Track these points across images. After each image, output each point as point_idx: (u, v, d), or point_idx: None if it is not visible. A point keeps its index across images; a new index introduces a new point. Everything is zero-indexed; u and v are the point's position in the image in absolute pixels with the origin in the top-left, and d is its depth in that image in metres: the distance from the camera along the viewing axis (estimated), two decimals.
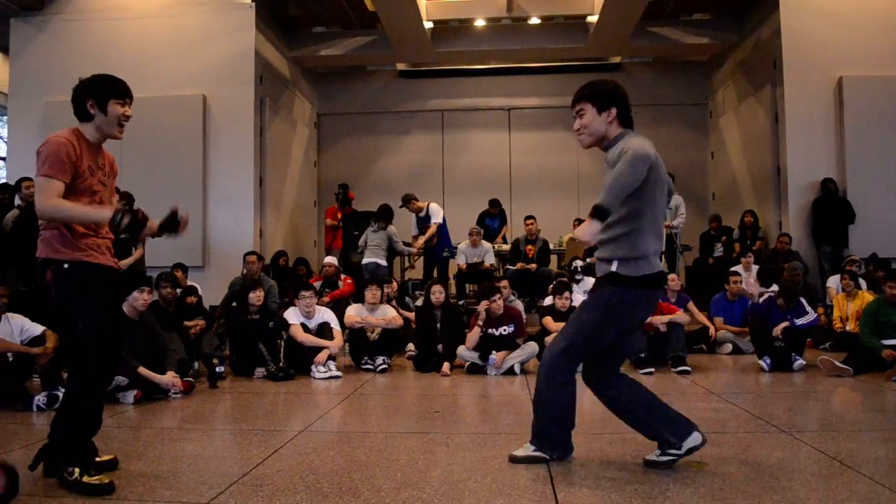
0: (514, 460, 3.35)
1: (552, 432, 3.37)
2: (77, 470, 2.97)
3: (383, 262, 9.36)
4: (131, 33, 10.60)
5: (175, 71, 10.45)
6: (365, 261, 9.35)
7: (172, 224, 3.24)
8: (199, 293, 7.52)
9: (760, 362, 6.43)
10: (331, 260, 9.18)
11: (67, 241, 3.05)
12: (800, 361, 6.37)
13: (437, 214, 10.15)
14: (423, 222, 10.23)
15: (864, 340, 6.32)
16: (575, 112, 3.30)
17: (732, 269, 8.92)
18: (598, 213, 2.85)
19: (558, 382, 3.29)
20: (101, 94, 3.19)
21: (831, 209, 9.80)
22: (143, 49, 10.49)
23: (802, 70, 10.17)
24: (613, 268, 3.13)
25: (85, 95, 3.20)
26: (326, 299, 8.33)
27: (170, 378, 5.26)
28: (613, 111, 3.22)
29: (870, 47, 10.08)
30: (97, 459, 3.15)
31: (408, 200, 10.31)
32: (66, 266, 3.04)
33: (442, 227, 10.18)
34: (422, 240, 10.08)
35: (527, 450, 3.38)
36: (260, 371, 6.31)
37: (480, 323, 6.47)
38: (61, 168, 3.01)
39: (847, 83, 10.05)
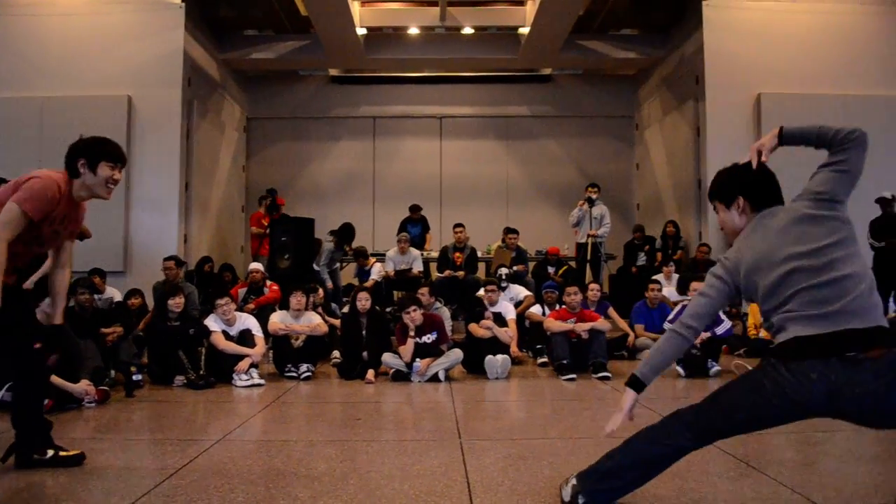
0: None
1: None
2: (50, 450, 3.35)
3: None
4: (56, 30, 10.25)
5: (100, 70, 10.14)
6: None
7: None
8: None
9: (677, 368, 6.62)
10: (257, 266, 9.05)
11: None
12: (716, 368, 6.59)
13: (376, 273, 10.09)
14: (364, 276, 10.13)
15: None
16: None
17: (654, 277, 9.17)
18: (635, 384, 2.72)
19: None
20: (93, 155, 3.29)
21: None
22: (68, 46, 10.17)
23: (723, 86, 10.52)
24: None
25: (77, 154, 3.30)
26: (251, 306, 8.21)
27: (83, 386, 5.09)
28: (741, 200, 2.74)
29: (788, 65, 10.49)
30: None
31: (361, 255, 10.19)
32: None
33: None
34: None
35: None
36: (179, 379, 6.16)
37: (412, 334, 6.48)
38: (39, 208, 3.13)
39: (765, 99, 10.44)
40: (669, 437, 2.71)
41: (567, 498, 2.78)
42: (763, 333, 7.92)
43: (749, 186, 2.74)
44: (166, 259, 8.49)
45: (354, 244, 10.14)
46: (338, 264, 10.23)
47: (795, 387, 2.31)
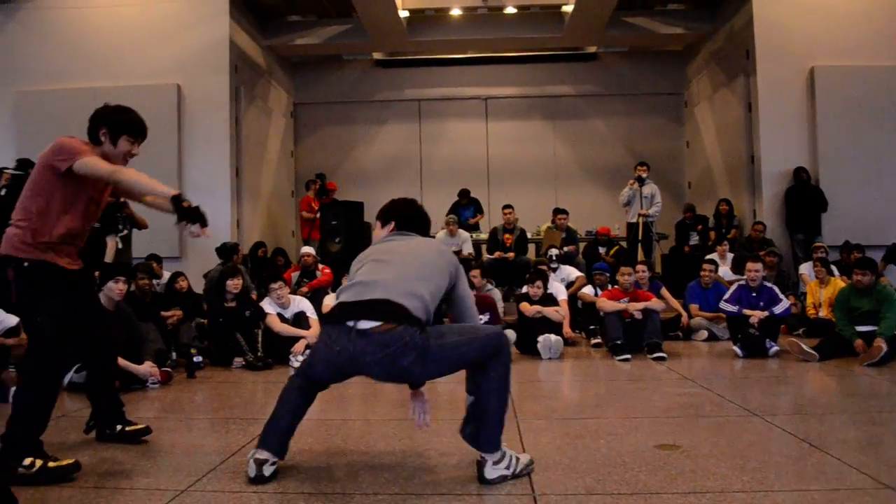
0: None
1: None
2: (38, 461, 2.95)
3: None
4: (104, 22, 10.47)
5: (149, 60, 10.33)
6: None
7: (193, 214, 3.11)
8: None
9: (735, 348, 6.52)
10: (308, 250, 9.15)
11: (29, 241, 3.10)
12: (775, 348, 6.46)
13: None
14: None
15: (837, 327, 6.43)
16: None
17: (707, 257, 9.04)
18: None
19: None
20: (115, 127, 3.30)
21: (804, 198, 9.94)
22: (117, 38, 10.38)
23: (775, 60, 10.28)
24: None
25: (100, 122, 3.30)
26: (305, 289, 8.32)
27: (147, 368, 5.24)
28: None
29: (842, 37, 10.20)
30: (59, 464, 3.03)
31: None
32: (25, 265, 3.09)
33: None
34: None
35: None
36: (238, 361, 6.29)
37: None
38: (83, 149, 3.13)
39: (819, 73, 10.17)
40: None
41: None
42: (822, 313, 7.75)
43: None
44: (236, 246, 8.62)
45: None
46: None
47: None
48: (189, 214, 3.02)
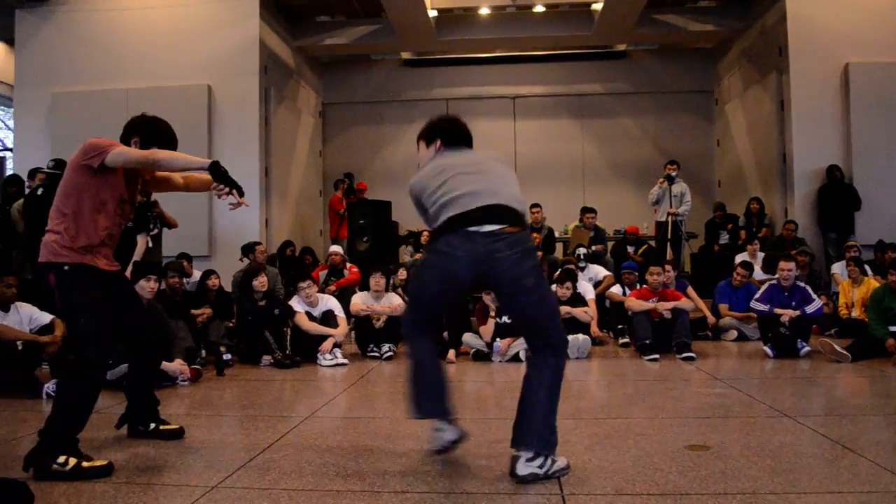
0: None
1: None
2: (72, 459, 2.98)
3: None
4: (136, 24, 10.60)
5: (180, 61, 10.45)
6: None
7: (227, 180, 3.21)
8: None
9: (765, 348, 6.44)
10: (336, 249, 9.20)
11: (67, 245, 3.16)
12: (806, 348, 6.38)
13: None
14: None
15: (870, 327, 6.33)
16: None
17: (739, 257, 8.95)
18: None
19: None
20: (148, 137, 3.36)
21: (837, 196, 9.78)
22: (148, 39, 10.50)
23: (808, 57, 10.12)
24: None
25: (134, 131, 3.38)
26: (333, 288, 8.36)
27: (177, 365, 5.32)
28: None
29: (876, 33, 10.03)
30: (92, 465, 3.06)
31: None
32: (66, 268, 3.15)
33: None
34: None
35: None
36: (266, 359, 6.35)
37: (493, 314, 6.52)
38: (112, 143, 3.21)
39: (853, 69, 10.00)
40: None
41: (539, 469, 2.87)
42: (855, 313, 7.63)
43: None
44: (255, 244, 8.66)
45: None
46: None
47: None
48: (227, 179, 3.14)
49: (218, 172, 3.13)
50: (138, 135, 3.35)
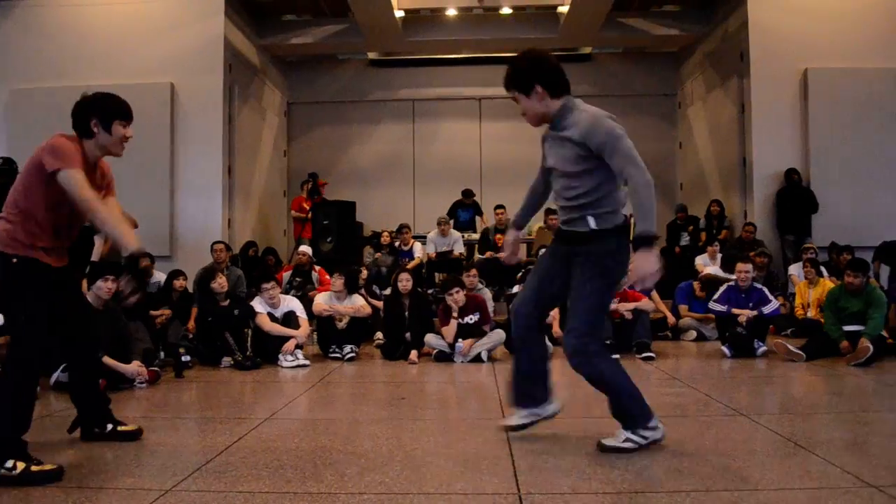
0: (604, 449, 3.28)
1: (634, 409, 3.35)
2: (20, 463, 2.90)
3: None
4: (98, 20, 10.41)
5: (143, 58, 10.27)
6: None
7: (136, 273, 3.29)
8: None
9: (723, 348, 6.55)
10: (305, 249, 9.11)
11: (18, 238, 3.07)
12: (763, 348, 6.50)
13: (419, 251, 10.13)
14: (404, 256, 10.16)
15: (825, 326, 6.46)
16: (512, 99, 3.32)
17: (699, 257, 9.08)
18: (649, 241, 3.11)
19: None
20: (106, 114, 3.23)
21: (795, 199, 9.96)
22: (111, 36, 10.32)
23: (768, 62, 10.30)
24: (593, 224, 3.28)
25: (89, 112, 3.22)
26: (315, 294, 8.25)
27: (135, 367, 5.22)
28: (538, 88, 3.24)
29: (835, 40, 10.22)
30: (42, 468, 2.98)
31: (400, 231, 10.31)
32: (14, 260, 3.07)
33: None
34: None
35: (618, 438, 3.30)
36: (227, 360, 6.29)
37: (455, 315, 6.52)
38: (76, 159, 3.07)
39: (812, 75, 10.19)
40: (599, 355, 3.40)
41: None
42: (811, 313, 7.78)
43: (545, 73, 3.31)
44: (216, 243, 8.58)
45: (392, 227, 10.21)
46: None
47: None
48: (136, 276, 3.23)
49: (133, 267, 3.20)
50: (95, 115, 3.20)
